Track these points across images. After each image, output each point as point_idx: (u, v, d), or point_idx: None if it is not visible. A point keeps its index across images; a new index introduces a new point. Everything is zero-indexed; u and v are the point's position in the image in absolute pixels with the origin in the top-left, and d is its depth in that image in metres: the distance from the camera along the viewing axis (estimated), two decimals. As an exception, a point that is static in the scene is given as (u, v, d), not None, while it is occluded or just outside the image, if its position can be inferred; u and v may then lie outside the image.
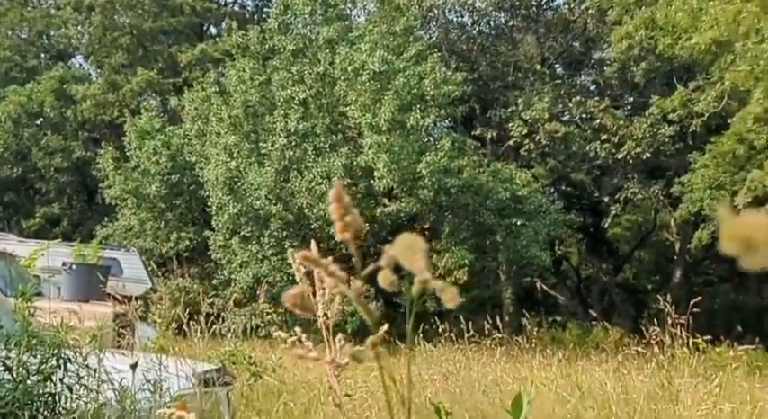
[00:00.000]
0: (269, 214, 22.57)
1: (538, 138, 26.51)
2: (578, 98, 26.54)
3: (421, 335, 10.08)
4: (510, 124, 27.14)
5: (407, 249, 0.89)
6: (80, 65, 37.07)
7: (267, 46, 24.43)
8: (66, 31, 35.30)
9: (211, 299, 8.67)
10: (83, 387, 4.82)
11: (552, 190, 27.36)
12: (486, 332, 10.25)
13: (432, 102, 23.16)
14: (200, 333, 7.36)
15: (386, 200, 23.36)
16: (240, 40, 24.78)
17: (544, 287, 29.72)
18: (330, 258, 1.19)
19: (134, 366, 4.99)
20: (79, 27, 35.04)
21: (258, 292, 17.21)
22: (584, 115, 26.69)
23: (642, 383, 7.53)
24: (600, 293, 29.96)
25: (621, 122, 25.41)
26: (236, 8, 36.25)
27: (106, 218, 27.72)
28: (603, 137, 25.63)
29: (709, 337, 9.65)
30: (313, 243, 1.33)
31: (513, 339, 11.20)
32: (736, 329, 19.95)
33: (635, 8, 22.92)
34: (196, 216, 25.79)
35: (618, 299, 28.59)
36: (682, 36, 18.77)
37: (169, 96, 31.74)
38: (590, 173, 29.19)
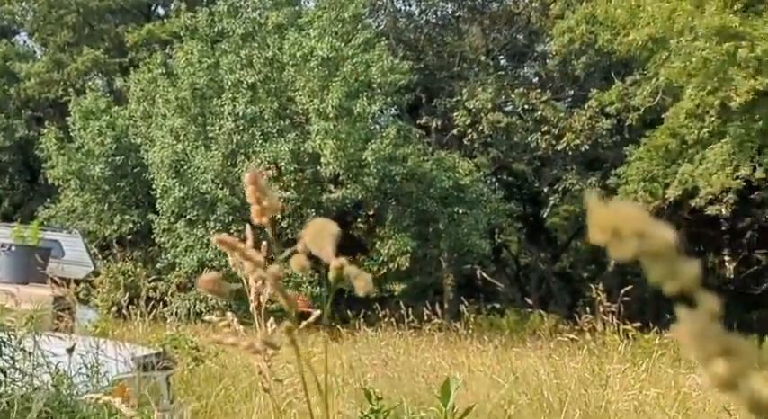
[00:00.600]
0: (215, 198, 22.33)
1: (481, 127, 26.71)
2: (521, 89, 26.81)
3: (362, 320, 10.11)
4: (454, 113, 27.29)
5: (317, 235, 0.87)
6: (24, 42, 35.98)
7: (216, 29, 24.08)
8: (10, 6, 34.18)
9: (154, 283, 8.55)
10: (17, 371, 4.71)
11: (494, 179, 27.63)
12: (427, 318, 10.33)
13: (378, 90, 23.17)
14: (141, 317, 7.25)
15: (332, 187, 23.32)
16: (189, 21, 24.38)
17: (484, 274, 30.04)
18: (265, 243, 1.18)
19: (70, 350, 4.90)
20: (24, 3, 33.97)
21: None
22: (526, 106, 26.97)
23: (574, 369, 7.67)
24: (538, 281, 30.41)
25: (562, 114, 25.77)
26: (185, -10, 35.57)
27: (48, 200, 27.07)
28: (544, 128, 25.96)
29: (639, 325, 9.90)
30: (248, 227, 1.31)
31: (453, 325, 11.31)
32: (665, 317, 20.49)
33: (576, 3, 23.22)
34: (140, 198, 25.35)
35: (555, 287, 29.08)
36: (620, 32, 19.09)
37: (115, 76, 31.08)
38: (531, 164, 29.54)
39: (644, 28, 17.55)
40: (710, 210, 19.14)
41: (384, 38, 24.72)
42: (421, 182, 23.29)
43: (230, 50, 23.24)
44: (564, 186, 26.96)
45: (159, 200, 22.83)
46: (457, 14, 29.93)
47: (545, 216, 29.87)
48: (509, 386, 7.40)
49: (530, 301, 21.83)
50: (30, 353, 4.81)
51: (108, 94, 28.09)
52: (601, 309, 8.11)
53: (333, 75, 22.19)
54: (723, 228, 29.24)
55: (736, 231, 29.16)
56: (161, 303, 8.61)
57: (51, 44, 32.35)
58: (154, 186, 22.99)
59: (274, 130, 22.89)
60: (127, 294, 7.46)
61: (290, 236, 23.50)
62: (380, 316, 10.06)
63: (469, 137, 27.17)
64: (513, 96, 26.93)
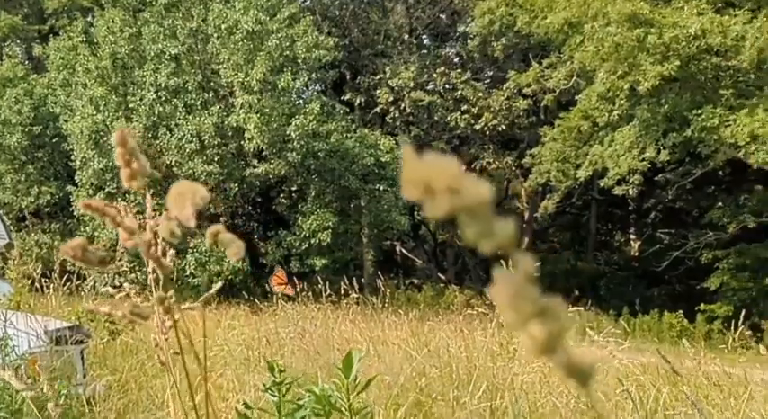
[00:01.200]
0: (136, 170, 21.83)
1: (403, 105, 26.82)
2: (442, 69, 26.99)
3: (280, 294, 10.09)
4: (377, 91, 27.31)
5: (179, 196, 0.83)
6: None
7: (139, -3, 23.44)
8: None
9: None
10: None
11: (415, 157, 27.69)
12: (345, 292, 10.41)
13: (303, 66, 22.97)
14: (56, 290, 7.08)
15: (255, 162, 23.08)
16: (111, -11, 23.63)
17: (403, 250, 30.32)
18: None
19: (-20, 324, 4.76)
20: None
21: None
22: (446, 86, 27.17)
23: (483, 342, 7.84)
24: (454, 257, 30.86)
25: (481, 94, 26.06)
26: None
27: (-37, 169, 25.97)
28: (464, 107, 26.23)
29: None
30: (149, 196, 1.30)
31: (371, 299, 11.41)
32: (574, 293, 21.11)
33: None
34: (59, 170, 24.57)
35: (470, 263, 29.56)
36: (538, 15, 19.37)
37: (34, 44, 29.92)
38: (450, 143, 29.83)
39: (560, 12, 17.87)
40: (618, 191, 19.73)
41: (309, 13, 24.51)
42: (343, 158, 23.28)
43: (153, 20, 22.63)
44: (481, 165, 27.34)
45: (78, 172, 22.19)
46: (382, -8, 29.85)
47: (462, 194, 30.18)
48: (421, 358, 7.54)
49: (444, 277, 22.18)
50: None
51: (26, 62, 27.08)
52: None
53: (257, 48, 21.89)
54: (630, 208, 30.22)
55: (642, 211, 30.18)
56: (80, 277, 8.41)
57: (-34, 8, 30.89)
58: (73, 157, 22.33)
59: (197, 103, 22.47)
60: (42, 267, 7.27)
61: (212, 210, 23.21)
62: (299, 290, 10.07)
63: (392, 114, 27.26)
64: (434, 75, 27.08)
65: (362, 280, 21.97)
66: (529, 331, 0.46)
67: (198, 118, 21.93)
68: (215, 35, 22.38)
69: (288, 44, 22.40)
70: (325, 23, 28.04)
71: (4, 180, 24.13)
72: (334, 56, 24.00)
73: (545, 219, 30.44)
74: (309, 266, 21.90)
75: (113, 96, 22.47)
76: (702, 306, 22.83)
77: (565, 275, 27.36)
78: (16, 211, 23.24)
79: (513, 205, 31.97)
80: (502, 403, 5.86)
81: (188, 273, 20.94)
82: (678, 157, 21.39)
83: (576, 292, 21.79)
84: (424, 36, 31.00)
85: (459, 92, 26.39)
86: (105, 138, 21.88)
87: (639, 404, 4.72)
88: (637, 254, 29.55)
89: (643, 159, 18.32)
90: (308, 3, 28.22)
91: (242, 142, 22.05)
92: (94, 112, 22.10)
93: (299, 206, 23.27)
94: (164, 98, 21.99)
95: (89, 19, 26.34)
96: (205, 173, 21.72)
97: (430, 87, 27.83)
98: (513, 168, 27.27)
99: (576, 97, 20.68)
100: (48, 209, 24.15)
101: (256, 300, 12.14)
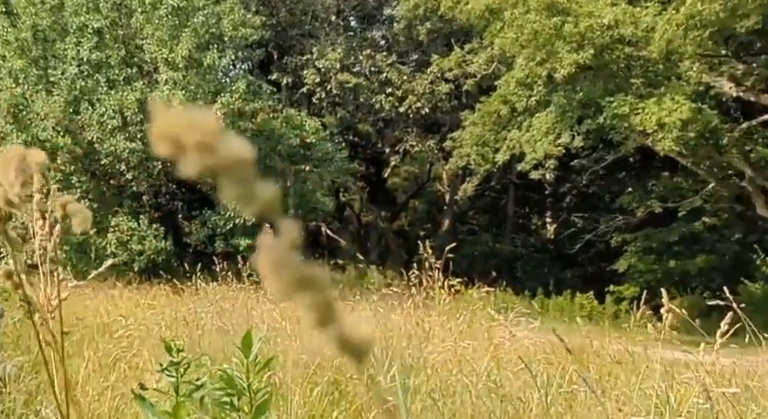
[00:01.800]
0: (56, 146, 21.10)
1: (329, 87, 26.68)
2: (368, 51, 26.93)
3: (199, 274, 9.96)
4: (304, 72, 27.08)
5: (6, 162, 0.78)
6: None
7: (60, -31, 22.56)
8: None
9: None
10: None
11: (341, 139, 27.77)
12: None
13: (229, 44, 22.58)
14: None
15: (179, 139, 22.61)
16: (30, -41, 22.66)
17: (328, 231, 30.30)
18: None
19: None
20: None
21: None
22: (372, 68, 27.13)
23: (399, 322, 7.93)
24: (377, 238, 31.01)
25: (405, 78, 26.13)
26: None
27: None
28: (389, 90, 26.27)
29: (464, 280, 10.36)
30: (37, 154, 1.26)
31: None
32: (491, 274, 21.52)
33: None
34: (-26, 142, 23.59)
35: (393, 245, 29.77)
36: (462, 0, 19.48)
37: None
38: (375, 125, 29.86)
39: (482, -2, 18.06)
40: (535, 175, 20.12)
41: (237, -9, 24.03)
42: (269, 138, 23.04)
43: (75, -7, 21.88)
44: (404, 147, 27.48)
45: (-5, 146, 21.36)
46: (310, -28, 29.51)
47: (386, 176, 30.40)
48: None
49: (369, 258, 22.27)
50: None
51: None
52: (427, 265, 8.43)
53: (183, 24, 21.42)
54: (546, 192, 30.88)
55: (558, 195, 30.90)
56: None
57: None
58: (-10, 131, 21.46)
59: (120, 78, 21.86)
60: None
61: (135, 188, 22.68)
62: (218, 269, 9.97)
63: (318, 95, 27.10)
64: (360, 57, 27.00)
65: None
66: (300, 302, 0.43)
67: (121, 93, 21.36)
68: (139, 10, 21.79)
69: (214, 21, 21.99)
70: (253, 2, 27.58)
71: None
72: (261, 35, 23.67)
73: (465, 202, 30.84)
74: (234, 246, 21.64)
75: (33, 69, 21.68)
76: (611, 287, 23.59)
77: (483, 257, 27.82)
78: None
79: (435, 187, 32.29)
80: (415, 381, 5.94)
81: (109, 253, 20.43)
82: (592, 143, 21.94)
83: (494, 273, 22.22)
84: (351, 18, 30.85)
85: (385, 74, 26.41)
86: (25, 112, 21.10)
87: (542, 381, 4.85)
88: (552, 236, 30.27)
89: (558, 145, 18.73)
90: (235, -20, 27.67)
91: (166, 119, 21.58)
92: (13, 85, 21.27)
93: (224, 186, 22.93)
94: (86, 72, 21.34)
95: (8, -11, 25.22)
96: (127, 151, 21.19)
97: (356, 69, 27.74)
98: (436, 151, 27.50)
99: (496, 82, 20.94)
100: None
101: (178, 281, 11.95)
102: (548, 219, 31.39)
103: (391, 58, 26.72)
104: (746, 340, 4.43)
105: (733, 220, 23.65)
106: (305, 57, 27.22)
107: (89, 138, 21.23)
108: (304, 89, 27.39)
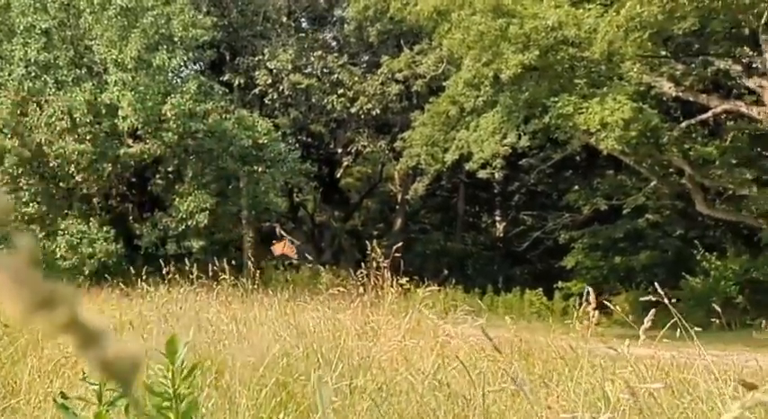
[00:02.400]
0: (3, 149, 20.62)
1: (282, 88, 26.52)
2: (320, 52, 26.84)
3: (145, 277, 9.79)
4: (256, 72, 26.87)
5: None
6: None
7: (6, -32, 22.02)
8: None
9: None
10: None
11: (294, 140, 27.59)
12: (214, 274, 10.22)
13: (180, 44, 22.29)
14: None
15: (130, 141, 22.23)
16: (-25, -41, 22.07)
17: (282, 232, 30.13)
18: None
19: None
20: None
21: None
22: (324, 69, 27.03)
23: (348, 320, 7.90)
24: (331, 238, 30.91)
25: (357, 79, 26.09)
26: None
27: None
28: (340, 91, 26.20)
29: (413, 278, 10.37)
30: None
31: (249, 281, 11.25)
32: (443, 272, 21.61)
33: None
34: None
35: (346, 244, 29.71)
36: (410, 2, 19.50)
37: None
38: (327, 126, 29.75)
39: (430, 0, 18.08)
40: (482, 174, 20.24)
41: (187, -8, 23.72)
42: (221, 139, 22.80)
43: (22, -8, 21.38)
44: (356, 148, 27.43)
45: (-60, 148, 20.74)
46: (261, -27, 29.27)
47: (339, 176, 30.33)
48: (289, 338, 7.50)
49: (319, 257, 22.19)
50: None
51: None
52: (374, 265, 8.42)
53: (132, 25, 21.09)
54: (496, 191, 31.13)
55: (507, 194, 31.17)
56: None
57: None
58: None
59: (69, 79, 21.43)
60: None
61: (84, 191, 22.24)
62: (166, 272, 9.80)
63: (270, 96, 26.91)
64: (312, 58, 26.89)
65: (245, 260, 21.68)
66: (45, 324, 0.38)
67: (69, 94, 20.94)
68: (88, 10, 21.39)
69: (164, 22, 21.70)
70: (204, 3, 27.25)
71: None
72: (212, 36, 23.42)
73: (416, 201, 30.93)
74: (187, 248, 21.34)
75: (-21, 70, 21.16)
76: (560, 283, 23.86)
77: (435, 255, 27.93)
78: None
79: (387, 187, 32.31)
80: (363, 381, 5.90)
81: (59, 256, 20.00)
82: (539, 143, 22.17)
83: (445, 271, 22.31)
84: (303, 19, 30.69)
85: (336, 75, 26.34)
86: (-30, 113, 20.57)
87: (486, 379, 4.85)
88: (502, 234, 30.53)
89: (505, 144, 18.89)
90: (185, -19, 27.28)
91: (116, 121, 21.20)
92: (-42, 87, 20.73)
93: (176, 187, 22.63)
94: (33, 73, 20.89)
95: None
96: (77, 152, 20.78)
97: (308, 70, 27.61)
98: (387, 151, 27.51)
99: (445, 83, 21.02)
100: None
101: (128, 284, 11.72)
102: (497, 218, 31.64)
103: (342, 59, 26.67)
104: (678, 334, 4.49)
105: (674, 217, 24.14)
106: (257, 58, 27.00)
107: (37, 140, 20.76)
108: (256, 90, 27.17)
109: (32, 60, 20.78)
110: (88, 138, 21.23)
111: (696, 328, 4.24)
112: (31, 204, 20.95)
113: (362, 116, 26.13)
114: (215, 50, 26.03)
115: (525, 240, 26.13)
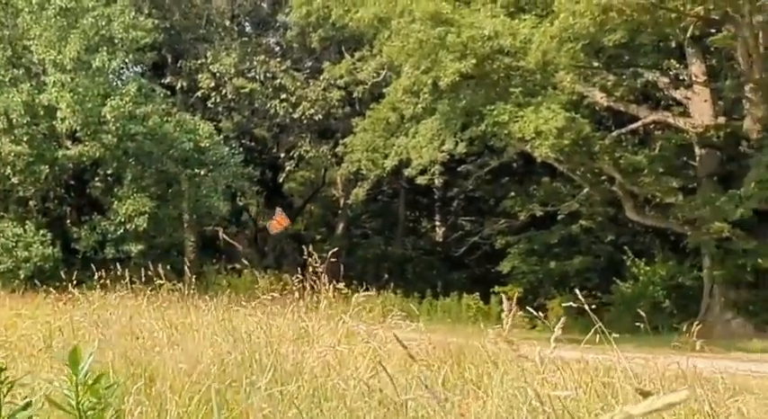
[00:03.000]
0: (-66, 150, 19.90)
1: (225, 91, 26.21)
2: (263, 57, 26.64)
3: (75, 281, 9.49)
4: (199, 76, 26.51)
5: None
6: None
7: (-62, -34, 21.27)
8: None
9: None
10: None
11: (237, 144, 27.28)
12: (165, 278, 9.96)
13: (120, 46, 21.85)
14: None
15: (69, 143, 21.69)
16: None
17: (225, 236, 29.76)
18: None
19: None
20: None
21: None
22: (267, 74, 26.83)
23: (284, 325, 7.78)
24: (274, 243, 30.62)
25: (299, 84, 25.97)
26: None
27: None
28: (283, 96, 26.03)
29: (353, 283, 10.28)
30: None
31: (189, 285, 11.01)
32: (384, 276, 21.59)
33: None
34: None
35: (288, 249, 29.45)
36: (351, 9, 19.45)
37: None
38: (270, 130, 29.53)
39: (371, 7, 18.07)
40: (421, 180, 20.30)
41: (128, -7, 23.27)
42: (162, 142, 22.41)
43: (-45, -9, 20.66)
44: (299, 153, 27.27)
45: None
46: (204, -24, 28.92)
47: (282, 181, 30.09)
48: (224, 344, 7.36)
49: (262, 261, 21.95)
50: None
51: None
52: (311, 270, 8.32)
53: (72, 26, 20.60)
54: (435, 197, 31.28)
55: (446, 199, 31.35)
56: None
57: None
58: None
59: (6, 79, 20.85)
60: None
61: (21, 193, 21.60)
62: (99, 276, 9.53)
63: (213, 100, 26.58)
64: (255, 63, 26.65)
65: (187, 265, 21.29)
66: None
67: (6, 95, 20.34)
68: (26, 10, 20.81)
69: (104, 23, 21.25)
70: (146, 5, 26.76)
71: None
72: (154, 38, 23.02)
73: (358, 206, 30.87)
74: (125, 252, 20.85)
75: None
76: (496, 288, 24.04)
77: (376, 259, 27.89)
78: None
79: (330, 192, 32.18)
80: (295, 386, 5.81)
81: (-8, 259, 19.37)
82: (477, 150, 22.32)
83: (386, 276, 22.29)
84: (246, 23, 30.43)
85: (279, 80, 26.16)
86: None
87: (417, 383, 4.82)
88: (441, 239, 30.68)
89: (443, 151, 18.97)
90: (127, -18, 26.74)
91: (54, 122, 20.66)
92: None
93: (115, 190, 22.13)
94: (-32, 73, 20.19)
95: None
96: (13, 154, 20.17)
97: (251, 75, 27.37)
98: (329, 157, 27.42)
99: (386, 90, 21.02)
100: None
101: (64, 288, 11.36)
102: (437, 223, 31.80)
103: (285, 65, 26.50)
104: (597, 339, 4.53)
105: (606, 223, 24.57)
106: (199, 62, 26.64)
107: (-29, 142, 20.10)
108: (199, 93, 26.80)
109: (-33, 60, 20.13)
110: (25, 139, 20.64)
111: (625, 333, 4.29)
112: (-35, 207, 20.27)
113: (305, 121, 26.00)
114: (156, 53, 25.58)
115: (463, 245, 26.28)
